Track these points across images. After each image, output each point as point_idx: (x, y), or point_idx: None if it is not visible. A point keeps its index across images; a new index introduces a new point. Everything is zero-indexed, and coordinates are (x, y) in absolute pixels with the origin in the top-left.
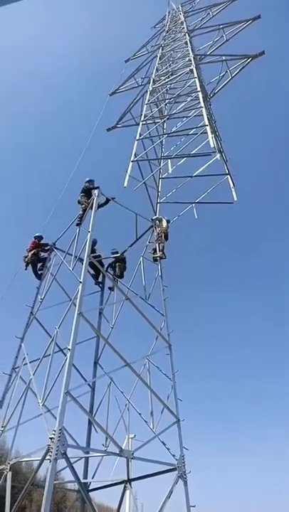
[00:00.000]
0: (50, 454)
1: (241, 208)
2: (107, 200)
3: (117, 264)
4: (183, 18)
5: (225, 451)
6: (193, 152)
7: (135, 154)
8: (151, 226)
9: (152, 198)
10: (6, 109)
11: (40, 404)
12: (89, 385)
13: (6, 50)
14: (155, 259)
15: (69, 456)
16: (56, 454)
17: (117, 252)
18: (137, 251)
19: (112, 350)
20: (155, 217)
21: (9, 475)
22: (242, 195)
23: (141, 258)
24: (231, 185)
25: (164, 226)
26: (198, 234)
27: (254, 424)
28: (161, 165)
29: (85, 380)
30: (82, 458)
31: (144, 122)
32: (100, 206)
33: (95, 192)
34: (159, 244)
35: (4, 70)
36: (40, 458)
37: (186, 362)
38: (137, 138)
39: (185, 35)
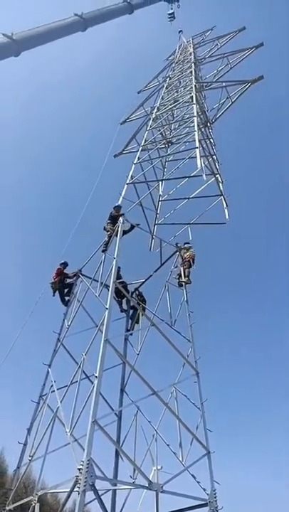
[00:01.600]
0: (78, 485)
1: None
2: (132, 227)
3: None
4: (192, 50)
5: (264, 485)
6: (192, 175)
7: (132, 177)
8: (176, 251)
9: (149, 220)
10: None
11: (68, 434)
12: (116, 413)
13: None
14: (180, 284)
15: (97, 488)
16: (85, 486)
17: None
18: (161, 276)
19: (139, 378)
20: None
21: (37, 507)
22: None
23: (166, 284)
24: (224, 205)
25: (192, 252)
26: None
27: None
28: (160, 187)
29: (112, 409)
30: (109, 490)
31: (143, 147)
32: (125, 233)
33: (120, 219)
34: (184, 269)
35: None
36: (67, 490)
37: (216, 390)
38: (135, 162)
39: (191, 65)
